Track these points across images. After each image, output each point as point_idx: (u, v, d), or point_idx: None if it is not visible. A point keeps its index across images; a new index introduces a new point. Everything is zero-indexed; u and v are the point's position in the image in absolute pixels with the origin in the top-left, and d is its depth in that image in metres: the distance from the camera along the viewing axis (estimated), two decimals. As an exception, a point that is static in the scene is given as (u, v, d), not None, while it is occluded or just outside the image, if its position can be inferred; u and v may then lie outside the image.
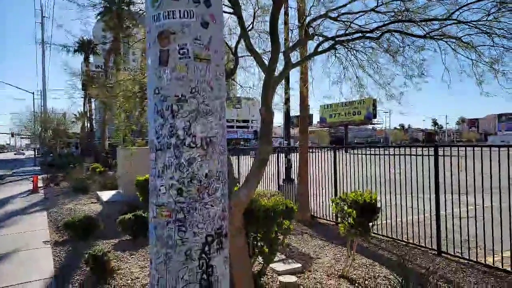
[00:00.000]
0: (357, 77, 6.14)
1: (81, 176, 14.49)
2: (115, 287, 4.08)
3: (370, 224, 4.03)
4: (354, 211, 4.02)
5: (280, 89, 7.66)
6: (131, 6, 20.26)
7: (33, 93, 39.17)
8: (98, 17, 24.11)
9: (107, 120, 21.87)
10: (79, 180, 13.48)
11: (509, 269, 4.25)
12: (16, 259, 5.20)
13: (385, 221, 5.83)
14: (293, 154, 9.64)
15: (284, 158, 9.75)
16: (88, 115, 32.23)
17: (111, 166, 20.47)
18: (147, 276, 4.38)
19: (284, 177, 9.71)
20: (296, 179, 8.59)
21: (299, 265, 4.66)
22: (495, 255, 4.49)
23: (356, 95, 6.68)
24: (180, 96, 2.00)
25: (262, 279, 4.21)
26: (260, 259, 4.30)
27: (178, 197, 2.02)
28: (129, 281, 4.22)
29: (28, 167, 29.20)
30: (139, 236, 6.15)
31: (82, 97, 31.94)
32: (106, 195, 10.95)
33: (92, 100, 29.89)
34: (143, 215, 6.34)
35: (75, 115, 38.57)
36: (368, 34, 5.11)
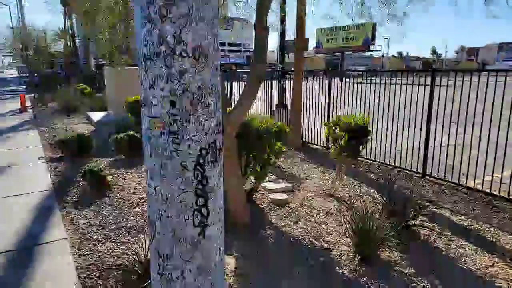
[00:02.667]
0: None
1: (69, 96, 14.14)
2: (113, 199, 4.25)
3: (361, 147, 4.12)
4: (345, 134, 4.07)
5: (275, 7, 7.16)
6: None
7: (8, 6, 36.08)
8: None
9: (90, 36, 20.56)
10: (68, 100, 13.20)
11: (488, 191, 4.53)
12: (13, 173, 5.32)
13: (375, 147, 5.99)
14: (287, 81, 9.44)
15: (277, 84, 9.59)
16: (70, 32, 30.23)
17: (99, 87, 19.96)
18: (144, 191, 4.56)
19: (277, 103, 9.66)
20: (289, 105, 8.56)
21: (289, 184, 4.88)
22: (477, 180, 4.74)
23: (357, 16, 6.30)
24: (169, -2, 1.82)
25: (254, 195, 4.43)
26: (252, 179, 4.48)
27: (171, 109, 1.97)
28: (125, 195, 4.40)
29: (13, 87, 28.37)
30: (133, 155, 6.26)
31: (61, 12, 29.56)
32: (96, 115, 10.85)
33: (73, 16, 27.76)
34: (136, 135, 6.37)
35: (56, 32, 36.10)
36: None
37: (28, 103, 13.90)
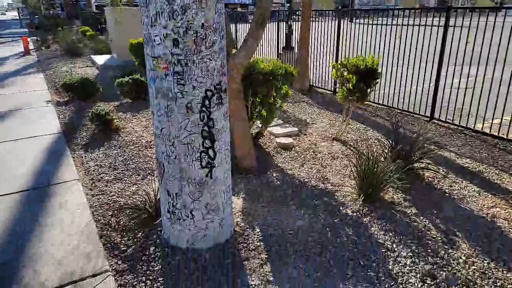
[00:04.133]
0: None
1: (71, 39, 13.75)
2: (121, 142, 4.33)
3: (369, 90, 4.02)
4: (353, 77, 3.95)
5: None
6: None
7: None
8: None
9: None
10: (70, 43, 12.87)
11: (496, 134, 4.49)
12: (22, 116, 5.38)
13: (383, 91, 5.85)
14: (294, 23, 8.96)
15: (284, 25, 9.12)
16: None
17: (102, 29, 19.27)
18: (151, 134, 4.61)
19: (284, 45, 9.29)
20: (296, 47, 8.23)
21: (295, 129, 4.88)
22: (485, 123, 4.67)
23: None
24: None
25: (260, 140, 4.46)
26: (258, 123, 4.48)
27: (174, 49, 1.91)
28: (133, 138, 4.47)
29: (14, 29, 27.58)
30: (138, 99, 6.25)
31: None
32: (100, 59, 10.64)
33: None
34: (141, 78, 6.28)
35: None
36: None
37: (31, 46, 13.61)
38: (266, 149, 4.24)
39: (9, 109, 5.73)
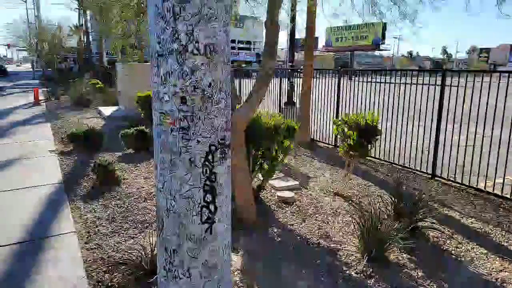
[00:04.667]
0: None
1: (81, 91, 14.32)
2: (121, 193, 4.30)
3: (369, 146, 4.08)
4: (354, 133, 4.04)
5: (287, 4, 7.13)
6: None
7: (25, 1, 36.64)
8: None
9: (103, 32, 20.78)
10: (80, 95, 13.38)
11: (499, 193, 4.45)
12: (24, 165, 5.42)
13: (383, 146, 5.94)
14: (296, 79, 9.41)
15: (286, 81, 9.54)
16: (84, 28, 30.62)
17: (111, 82, 20.16)
18: (151, 186, 4.60)
19: (285, 100, 9.62)
20: (297, 102, 8.52)
21: (297, 182, 4.86)
22: (488, 181, 4.66)
23: (368, 14, 6.24)
24: (182, -5, 1.82)
25: (261, 193, 4.43)
26: (260, 176, 4.48)
27: (181, 106, 1.98)
28: (134, 190, 4.44)
29: (27, 80, 28.84)
30: (142, 150, 6.33)
31: (76, 9, 29.98)
32: (107, 110, 10.97)
33: (88, 12, 28.07)
34: (146, 130, 6.43)
35: (70, 27, 36.57)
36: None
37: (41, 97, 14.13)
38: (267, 203, 4.19)
39: (13, 158, 5.78)
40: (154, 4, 1.92)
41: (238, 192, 3.52)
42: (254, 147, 3.92)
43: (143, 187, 4.56)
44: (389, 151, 5.95)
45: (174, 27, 1.88)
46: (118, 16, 6.96)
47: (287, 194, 4.35)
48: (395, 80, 6.07)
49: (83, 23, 30.43)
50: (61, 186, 4.49)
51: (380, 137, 4.25)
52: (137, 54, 9.54)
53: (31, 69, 39.10)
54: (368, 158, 6.01)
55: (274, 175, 4.51)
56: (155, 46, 2.00)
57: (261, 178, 4.52)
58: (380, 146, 5.62)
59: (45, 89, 17.24)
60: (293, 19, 8.02)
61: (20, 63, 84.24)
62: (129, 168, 5.40)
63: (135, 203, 4.02)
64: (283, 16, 7.33)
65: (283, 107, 9.39)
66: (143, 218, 3.64)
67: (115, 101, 12.49)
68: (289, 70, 9.36)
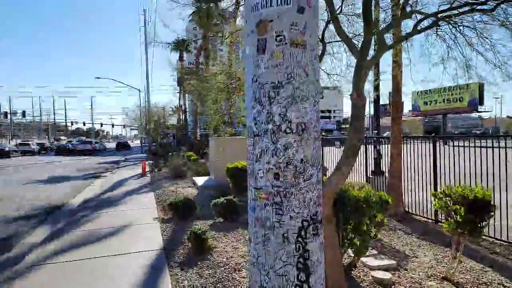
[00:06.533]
0: (463, 56, 5.45)
1: (178, 163, 15.98)
2: (213, 262, 4.43)
3: (483, 223, 3.56)
4: (461, 208, 3.60)
5: (370, 75, 7.28)
6: (219, 3, 21.35)
7: (139, 90, 44.46)
8: (190, 17, 26.06)
9: (199, 112, 23.64)
10: (177, 166, 14.90)
11: None
12: (132, 231, 6.05)
13: (500, 222, 5.11)
14: (382, 145, 9.09)
15: (373, 149, 9.25)
16: (182, 109, 35.29)
17: (203, 154, 22.17)
18: (240, 256, 4.65)
19: (372, 169, 9.22)
20: (386, 171, 8.09)
21: (393, 262, 4.40)
22: None
23: (462, 77, 5.92)
24: (276, 83, 2.05)
25: (352, 271, 4.11)
26: (349, 251, 4.20)
27: (275, 181, 2.09)
28: (224, 259, 4.54)
29: (136, 155, 33.64)
30: (230, 219, 6.57)
31: (177, 92, 35.09)
32: (200, 180, 11.90)
33: (186, 95, 32.62)
34: (234, 199, 6.73)
35: (172, 108, 42.62)
36: (479, 7, 4.46)
37: (147, 169, 16.12)
38: (361, 284, 3.84)
39: (121, 225, 6.53)
40: (251, 91, 2.18)
41: (328, 268, 3.33)
42: (343, 220, 3.77)
43: (232, 257, 4.64)
44: (507, 228, 5.07)
45: (269, 110, 2.09)
46: (213, 99, 7.94)
47: (383, 275, 3.94)
48: (498, 145, 5.42)
49: (182, 104, 35.18)
50: (162, 253, 4.85)
51: (494, 213, 3.69)
52: (228, 129, 10.48)
53: (139, 145, 45.79)
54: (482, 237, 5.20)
55: (367, 252, 4.18)
56: (251, 127, 2.23)
57: (351, 255, 4.23)
58: (495, 222, 4.85)
59: (150, 161, 19.69)
60: (376, 88, 8.06)
61: (132, 140, 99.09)
62: (219, 236, 5.61)
63: (225, 274, 4.08)
64: (367, 86, 7.44)
65: (370, 176, 8.98)
66: (232, 291, 3.65)
67: (207, 171, 13.54)
68: (375, 139, 9.13)
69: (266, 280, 2.10)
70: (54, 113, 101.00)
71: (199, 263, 4.45)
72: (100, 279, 4.01)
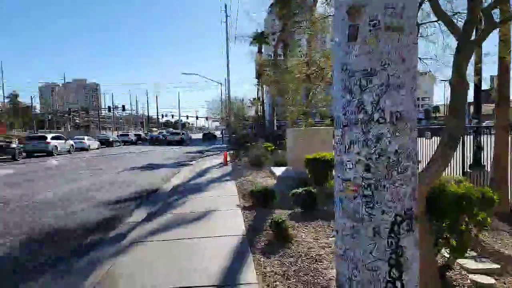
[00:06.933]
0: None
1: (257, 153, 16.44)
2: (294, 251, 4.49)
3: None
4: None
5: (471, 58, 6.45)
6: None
7: (220, 83, 46.83)
8: (270, 8, 26.30)
9: (278, 103, 23.92)
10: (256, 157, 15.34)
11: None
12: (217, 216, 6.46)
13: None
14: (483, 136, 8.03)
15: (472, 140, 8.23)
16: (260, 101, 36.08)
17: (280, 144, 22.45)
18: (321, 247, 4.63)
19: (471, 162, 8.21)
20: (488, 164, 7.14)
21: (497, 266, 3.91)
22: None
23: None
24: (369, 70, 1.95)
25: (447, 274, 3.76)
26: (446, 253, 3.84)
27: (365, 173, 2.01)
28: (305, 249, 4.57)
29: (218, 145, 35.72)
30: (309, 209, 6.54)
31: (255, 85, 35.98)
32: (278, 170, 12.07)
33: (264, 87, 33.23)
34: (313, 190, 6.68)
35: (250, 100, 43.98)
36: None
37: (228, 158, 16.97)
38: (457, 287, 3.50)
39: (206, 210, 7.01)
40: (340, 80, 2.12)
41: (421, 268, 3.10)
42: (437, 217, 3.46)
43: (312, 248, 4.64)
44: None
45: (360, 99, 2.00)
46: (293, 89, 7.93)
47: (485, 279, 3.53)
48: None
49: (260, 96, 35.95)
50: (244, 238, 5.08)
51: None
52: (308, 120, 10.39)
53: (221, 136, 48.59)
54: None
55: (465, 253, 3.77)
56: (340, 117, 2.16)
57: (446, 256, 3.86)
58: None
59: (231, 152, 20.67)
60: (478, 72, 7.13)
61: (214, 132, 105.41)
62: (299, 226, 5.64)
63: (307, 263, 4.10)
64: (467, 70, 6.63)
65: (468, 170, 8.02)
66: (314, 280, 3.65)
67: (284, 161, 13.67)
68: (475, 128, 8.11)
69: (354, 274, 2.05)
70: (148, 108, 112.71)
71: (280, 251, 4.55)
72: (191, 258, 4.39)
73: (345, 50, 2.01)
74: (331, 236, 5.10)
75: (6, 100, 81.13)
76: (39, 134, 32.34)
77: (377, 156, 1.98)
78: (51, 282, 4.17)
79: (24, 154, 23.03)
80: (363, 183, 2.02)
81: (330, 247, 4.62)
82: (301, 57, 10.32)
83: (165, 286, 3.59)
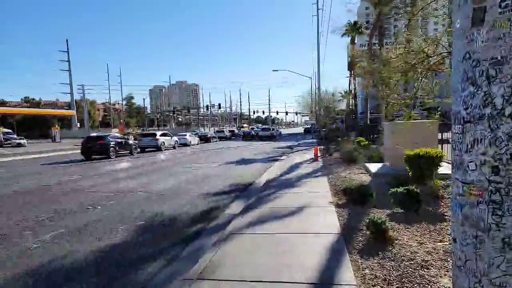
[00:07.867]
0: None
1: (348, 148, 15.83)
2: (395, 255, 4.21)
3: None
4: None
5: None
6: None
7: (310, 78, 46.40)
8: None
9: (372, 95, 22.58)
10: (348, 152, 14.79)
11: None
12: (309, 213, 6.45)
13: None
14: None
15: None
16: (352, 93, 34.57)
17: (374, 139, 21.18)
18: (427, 253, 4.24)
19: None
20: None
21: None
22: None
23: None
24: (498, 58, 1.69)
25: None
26: None
27: (493, 176, 1.77)
28: (408, 253, 4.24)
29: (307, 140, 35.51)
30: (411, 210, 6.03)
31: (347, 77, 34.59)
32: (373, 167, 11.42)
33: (356, 79, 31.71)
34: (415, 190, 6.13)
35: (341, 93, 42.46)
36: None
37: (319, 154, 16.76)
38: None
39: (299, 205, 7.04)
40: (461, 70, 1.89)
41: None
42: None
43: (417, 253, 4.28)
44: None
45: (487, 91, 1.76)
46: (393, 80, 7.35)
47: None
48: None
49: (352, 89, 34.43)
50: (340, 237, 4.97)
51: None
52: (409, 112, 9.57)
53: (312, 131, 48.35)
54: None
55: None
56: (460, 112, 1.94)
57: None
58: None
59: (321, 147, 20.36)
60: None
61: (302, 126, 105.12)
62: (399, 228, 5.26)
63: (411, 269, 3.80)
64: None
65: None
66: (420, 289, 3.37)
67: (379, 157, 12.85)
68: None
69: (478, 288, 1.82)
70: (241, 105, 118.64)
71: (379, 253, 4.31)
72: (286, 253, 4.47)
73: (468, 36, 1.79)
74: (438, 241, 4.63)
75: (123, 102, 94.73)
76: (150, 131, 36.97)
77: (509, 156, 1.72)
78: (167, 265, 4.74)
79: (138, 149, 26.52)
80: (490, 187, 1.78)
81: (438, 253, 4.20)
82: (401, 45, 9.50)
83: (266, 279, 3.73)
